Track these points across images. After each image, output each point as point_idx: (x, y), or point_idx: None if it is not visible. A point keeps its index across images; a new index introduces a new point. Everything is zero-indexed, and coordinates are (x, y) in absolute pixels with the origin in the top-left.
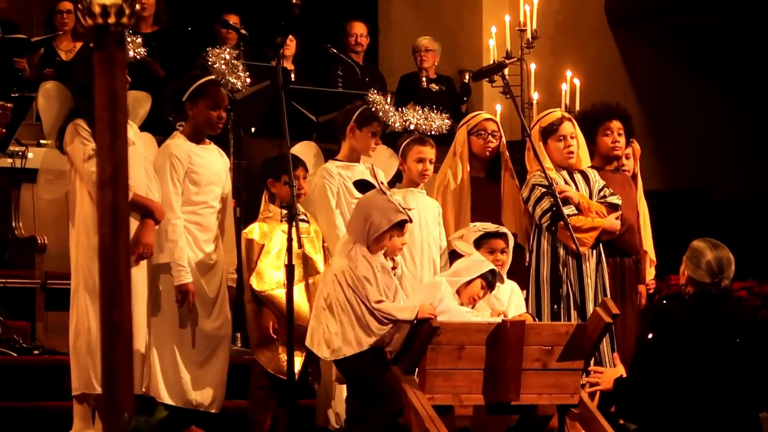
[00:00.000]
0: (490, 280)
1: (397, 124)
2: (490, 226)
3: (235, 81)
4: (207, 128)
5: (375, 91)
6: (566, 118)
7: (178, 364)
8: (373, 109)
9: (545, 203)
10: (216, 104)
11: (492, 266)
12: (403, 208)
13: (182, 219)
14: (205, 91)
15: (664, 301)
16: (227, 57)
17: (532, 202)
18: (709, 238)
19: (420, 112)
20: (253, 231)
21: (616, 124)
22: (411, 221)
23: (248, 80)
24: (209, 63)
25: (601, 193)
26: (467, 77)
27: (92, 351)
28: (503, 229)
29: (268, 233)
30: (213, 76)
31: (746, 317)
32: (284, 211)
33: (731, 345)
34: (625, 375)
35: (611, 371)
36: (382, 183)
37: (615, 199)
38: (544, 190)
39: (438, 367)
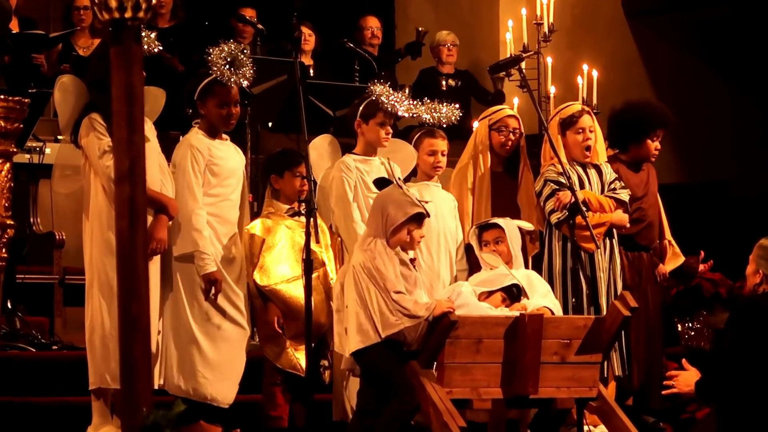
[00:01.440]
0: (514, 294)
1: (404, 111)
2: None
3: (238, 77)
4: (219, 125)
5: (377, 82)
6: (586, 110)
7: (194, 358)
8: (377, 99)
9: (557, 201)
10: (224, 101)
11: (516, 281)
12: (420, 202)
13: (204, 210)
14: (212, 90)
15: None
16: (229, 51)
17: (543, 197)
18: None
19: (425, 103)
20: (255, 226)
21: (661, 131)
22: (428, 215)
23: (253, 74)
24: (209, 61)
25: (611, 186)
26: (500, 86)
27: (106, 346)
28: (494, 220)
29: (272, 228)
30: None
31: None
32: (287, 206)
33: None
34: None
35: (687, 374)
36: (399, 178)
37: (624, 195)
38: (556, 186)
39: (456, 361)
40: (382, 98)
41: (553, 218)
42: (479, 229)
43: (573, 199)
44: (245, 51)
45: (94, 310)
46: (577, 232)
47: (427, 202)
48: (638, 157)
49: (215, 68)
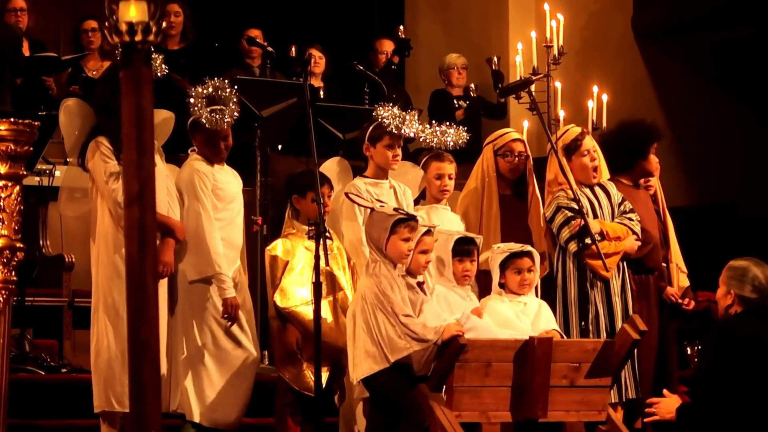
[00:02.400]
0: (465, 249)
1: (412, 133)
2: (515, 246)
3: (219, 117)
4: (211, 158)
5: (383, 104)
6: (586, 132)
7: (204, 382)
8: (383, 123)
9: (572, 227)
10: (210, 139)
11: (458, 233)
12: (398, 209)
13: (218, 233)
14: (200, 127)
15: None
16: (211, 91)
17: (557, 224)
18: (745, 256)
19: (433, 127)
20: (277, 247)
21: (657, 144)
22: (411, 217)
23: (236, 114)
24: (189, 104)
25: (621, 208)
26: (495, 64)
27: (111, 368)
28: (528, 248)
29: (292, 250)
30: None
31: None
32: (308, 228)
33: None
34: (681, 402)
35: (668, 401)
36: (378, 200)
37: (635, 224)
38: (569, 213)
39: (465, 384)
40: (388, 121)
41: (572, 246)
42: (510, 255)
43: (582, 223)
44: (228, 89)
45: (99, 333)
46: (589, 260)
47: (434, 227)
48: (644, 173)
49: (195, 112)
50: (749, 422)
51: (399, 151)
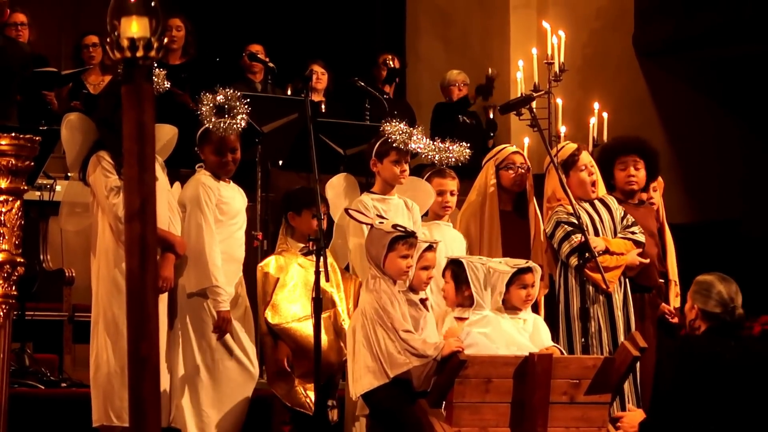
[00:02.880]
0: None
1: (418, 148)
2: (520, 262)
3: (229, 125)
4: (218, 171)
5: (390, 120)
6: (583, 148)
7: (201, 397)
8: (390, 139)
9: (573, 242)
10: (218, 149)
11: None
12: (397, 226)
13: (219, 247)
14: (208, 137)
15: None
16: (222, 99)
17: (557, 239)
18: (714, 272)
19: (435, 144)
20: (270, 264)
21: (631, 158)
22: (411, 233)
23: (244, 123)
24: (199, 110)
25: (624, 222)
26: (492, 113)
27: (110, 383)
28: (532, 264)
29: (285, 266)
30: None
31: (758, 346)
32: (302, 245)
33: (753, 373)
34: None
35: (632, 415)
36: (379, 216)
37: (640, 237)
38: (570, 228)
39: (465, 401)
40: (395, 136)
41: (573, 261)
42: (517, 272)
43: (583, 239)
44: (241, 98)
45: (99, 348)
46: (589, 274)
47: (437, 242)
48: (620, 191)
49: (205, 118)
50: None
51: (406, 167)
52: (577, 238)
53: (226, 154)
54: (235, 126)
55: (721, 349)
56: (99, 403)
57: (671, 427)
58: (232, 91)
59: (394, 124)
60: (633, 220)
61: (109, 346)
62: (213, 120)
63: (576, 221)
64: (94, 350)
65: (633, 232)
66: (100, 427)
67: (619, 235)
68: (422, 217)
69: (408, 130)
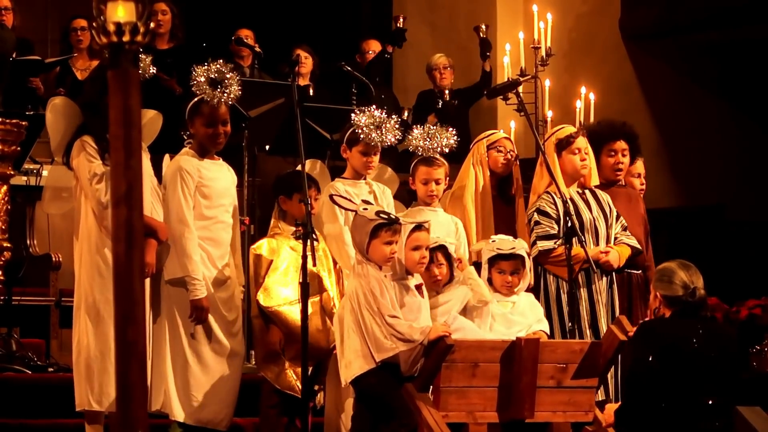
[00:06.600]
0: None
1: (388, 142)
2: (506, 247)
3: (223, 96)
4: (208, 144)
5: (362, 110)
6: (582, 133)
7: (189, 382)
8: (357, 131)
9: (539, 231)
10: (210, 121)
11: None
12: (384, 213)
13: (195, 233)
14: (199, 109)
15: (648, 320)
16: (214, 70)
17: (531, 226)
18: (675, 259)
19: (422, 132)
20: (262, 247)
21: (621, 145)
22: (394, 220)
23: (239, 92)
24: (193, 81)
25: (618, 227)
26: (483, 32)
27: (90, 367)
28: (518, 251)
29: (277, 249)
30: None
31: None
32: (295, 228)
33: (717, 352)
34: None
35: (610, 405)
36: (364, 201)
37: (634, 242)
38: (548, 228)
39: (452, 385)
40: (361, 130)
41: (534, 250)
42: (498, 256)
43: (570, 225)
44: (234, 71)
45: (80, 332)
46: (551, 268)
47: (426, 222)
48: (604, 178)
49: (197, 87)
50: (676, 423)
51: (374, 158)
52: (549, 244)
53: (217, 126)
54: (232, 96)
55: (687, 333)
56: (81, 387)
57: (637, 413)
58: (223, 62)
59: (365, 113)
60: (625, 224)
61: (89, 330)
62: (207, 90)
63: (557, 209)
64: (76, 334)
65: (629, 236)
66: (84, 411)
67: (617, 234)
68: (412, 202)
69: (380, 121)
